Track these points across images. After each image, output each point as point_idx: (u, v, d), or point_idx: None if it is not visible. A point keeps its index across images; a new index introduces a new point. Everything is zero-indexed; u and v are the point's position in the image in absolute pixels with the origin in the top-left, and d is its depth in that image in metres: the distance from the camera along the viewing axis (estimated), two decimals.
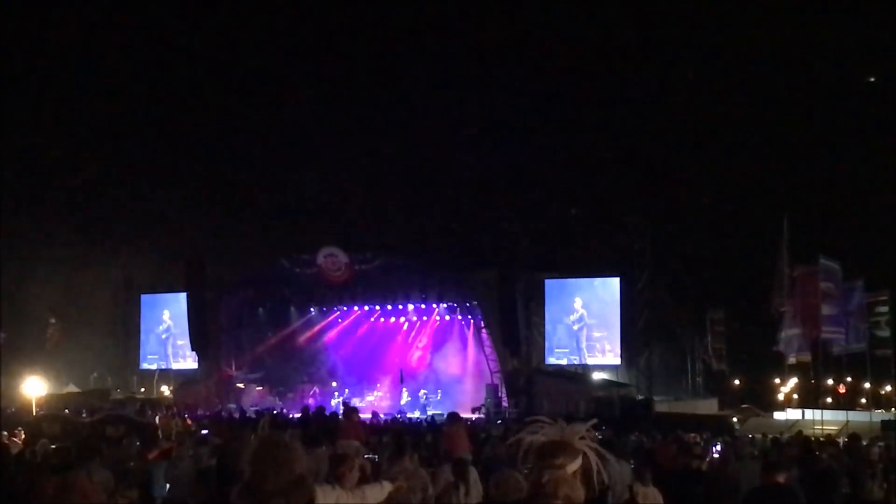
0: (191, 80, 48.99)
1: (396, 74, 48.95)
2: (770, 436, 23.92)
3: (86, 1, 46.15)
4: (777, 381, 45.54)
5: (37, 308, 46.34)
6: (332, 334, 47.86)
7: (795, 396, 42.41)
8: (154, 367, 48.17)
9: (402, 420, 34.34)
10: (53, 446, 14.78)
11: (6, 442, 16.20)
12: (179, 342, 47.32)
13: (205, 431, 23.51)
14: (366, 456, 11.24)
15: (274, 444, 4.62)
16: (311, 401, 39.60)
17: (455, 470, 10.77)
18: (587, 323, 41.11)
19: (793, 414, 37.44)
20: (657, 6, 45.37)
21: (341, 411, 25.88)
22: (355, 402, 37.33)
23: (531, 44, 47.08)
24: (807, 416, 35.33)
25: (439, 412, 36.38)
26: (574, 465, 4.41)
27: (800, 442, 19.12)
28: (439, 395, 42.88)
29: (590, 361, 41.12)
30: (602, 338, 40.99)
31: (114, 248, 47.10)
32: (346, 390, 43.53)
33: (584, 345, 41.08)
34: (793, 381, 42.73)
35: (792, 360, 36.77)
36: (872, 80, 42.47)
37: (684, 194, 47.22)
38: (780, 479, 10.61)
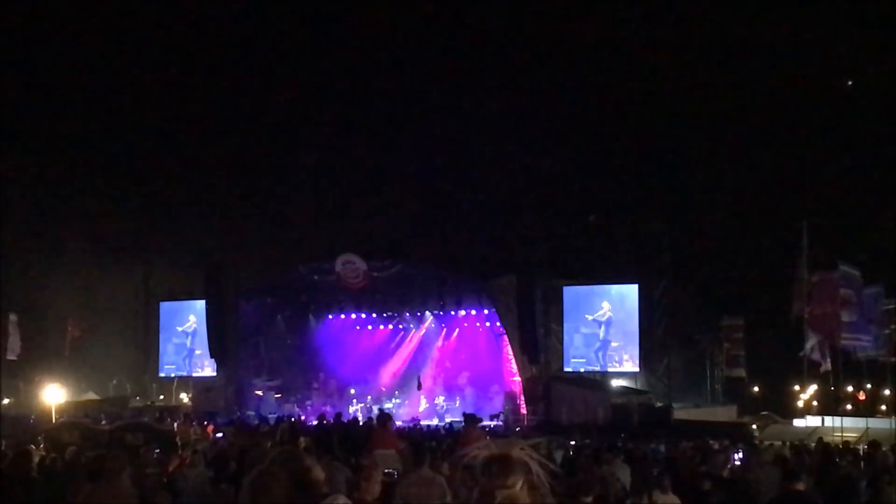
0: (210, 89, 49.11)
1: (416, 80, 48.99)
2: (788, 443, 23.83)
3: (111, 13, 46.20)
4: (797, 387, 45.29)
5: (56, 316, 46.54)
6: (350, 341, 47.88)
7: (815, 403, 42.14)
8: (174, 371, 48.26)
9: (418, 427, 34.36)
10: (90, 454, 14.84)
11: (28, 449, 16.24)
12: (197, 351, 47.41)
13: (220, 435, 23.59)
14: (386, 471, 11.25)
15: (286, 456, 4.62)
16: (328, 408, 39.65)
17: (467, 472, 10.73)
18: (610, 331, 41.05)
19: (812, 421, 37.19)
20: (680, 13, 45.33)
21: (376, 417, 25.81)
22: (376, 409, 37.36)
23: (552, 49, 47.08)
24: (826, 423, 35.13)
25: (457, 419, 36.36)
26: (521, 480, 4.42)
27: (819, 449, 19.04)
28: (458, 402, 42.84)
29: (609, 369, 41.04)
30: (620, 346, 40.92)
31: (133, 255, 47.30)
32: (368, 398, 43.50)
33: (601, 352, 41.01)
34: (812, 388, 42.47)
35: (826, 366, 36.45)
36: (850, 83, 42.40)
37: (703, 201, 47.14)
38: (800, 486, 10.57)
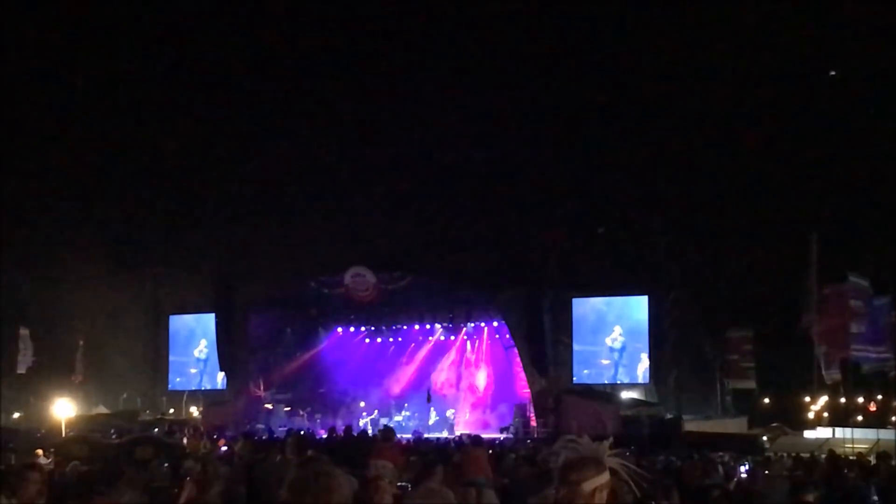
0: (221, 102, 49.22)
1: (425, 93, 49.03)
2: (794, 454, 23.77)
3: (130, 24, 46.40)
4: (807, 399, 45.24)
5: (66, 330, 46.64)
6: (360, 354, 47.92)
7: (825, 415, 42.07)
8: (183, 384, 48.35)
9: (423, 439, 34.36)
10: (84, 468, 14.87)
11: (38, 463, 16.28)
12: (206, 357, 47.51)
13: (224, 448, 23.58)
14: (399, 484, 11.24)
15: (315, 472, 4.57)
16: (339, 421, 39.66)
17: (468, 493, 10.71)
18: (623, 354, 41.13)
19: (823, 432, 37.14)
20: (688, 24, 45.32)
21: (377, 431, 25.80)
22: (382, 421, 37.41)
23: (560, 59, 47.10)
24: (837, 435, 35.09)
25: (467, 432, 36.38)
26: (594, 483, 4.39)
27: (828, 461, 19.01)
28: (468, 414, 42.89)
29: (618, 380, 41.06)
30: (629, 355, 40.93)
31: (143, 269, 47.38)
32: (376, 411, 43.51)
33: (609, 363, 41.08)
34: (823, 400, 42.41)
35: (835, 376, 36.42)
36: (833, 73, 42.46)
37: (712, 212, 47.07)
38: (810, 498, 10.55)
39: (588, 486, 4.36)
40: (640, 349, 40.72)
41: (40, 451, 19.32)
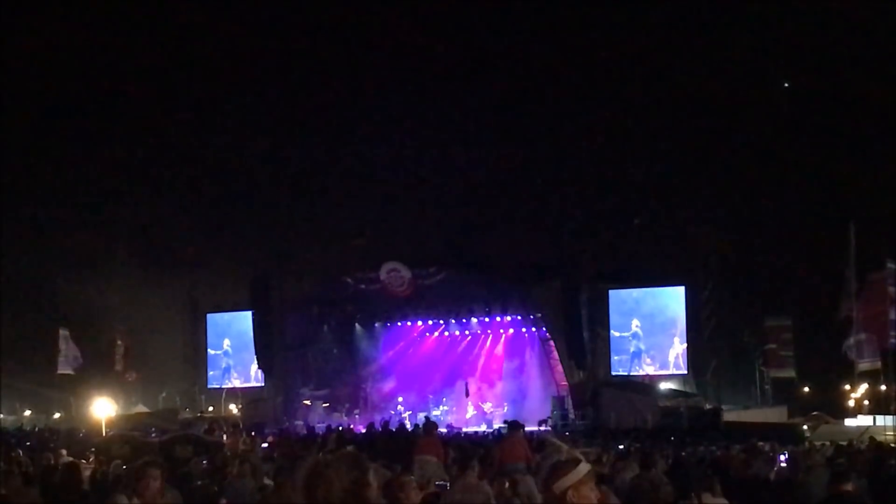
0: (256, 103, 49.45)
1: (457, 89, 49.02)
2: (834, 443, 23.62)
3: (159, 30, 46.71)
4: (847, 387, 44.86)
5: (105, 331, 46.99)
6: (397, 349, 47.90)
7: (866, 403, 41.71)
8: (222, 383, 48.61)
9: (461, 434, 34.35)
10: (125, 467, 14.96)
11: (77, 462, 16.39)
12: (244, 355, 47.76)
13: (265, 445, 23.67)
14: (437, 483, 11.23)
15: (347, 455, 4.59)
16: (377, 417, 39.69)
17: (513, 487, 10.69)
18: (648, 331, 41.01)
19: (864, 420, 36.86)
20: (721, 20, 45.14)
21: (421, 425, 25.75)
22: (421, 416, 37.40)
23: (594, 55, 46.95)
24: (878, 423, 34.83)
25: (505, 426, 36.34)
26: (564, 483, 4.48)
27: (871, 448, 18.86)
28: (506, 408, 42.77)
29: (655, 371, 40.92)
30: (667, 346, 40.79)
31: (180, 268, 47.63)
32: (413, 407, 43.45)
33: (647, 355, 40.97)
34: (863, 388, 42.05)
35: (864, 366, 36.24)
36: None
37: (749, 202, 46.81)
38: (848, 487, 10.45)
39: (558, 487, 4.48)
40: (679, 339, 40.52)
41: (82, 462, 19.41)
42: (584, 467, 4.55)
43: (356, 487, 4.34)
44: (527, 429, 29.36)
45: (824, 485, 13.27)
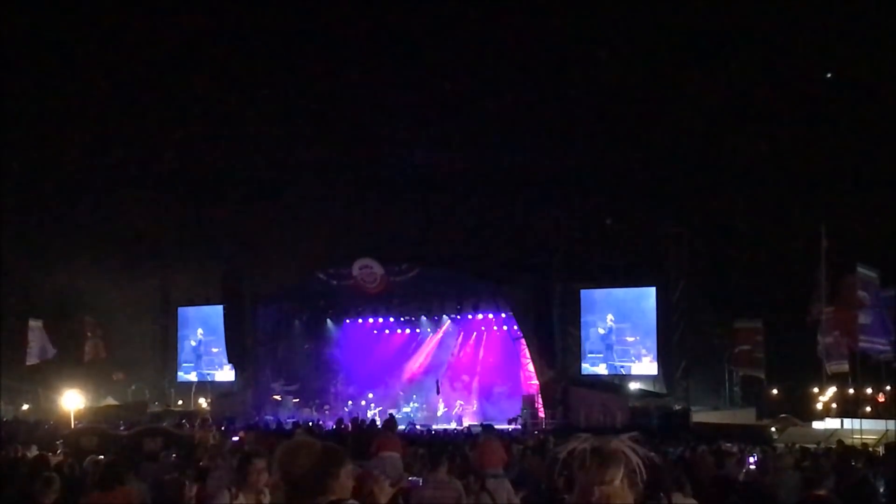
0: (227, 94, 49.22)
1: (430, 82, 48.95)
2: (799, 445, 23.73)
3: (137, 26, 46.42)
4: (815, 390, 45.16)
5: (76, 322, 46.75)
6: (368, 346, 47.92)
7: (834, 405, 42.01)
8: (192, 376, 48.46)
9: (430, 431, 34.39)
10: (98, 458, 14.88)
11: (45, 455, 16.31)
12: (214, 349, 47.64)
13: (235, 438, 23.63)
14: (410, 479, 11.26)
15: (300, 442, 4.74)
16: (347, 413, 39.70)
17: (481, 485, 10.68)
18: (619, 331, 41.10)
19: (832, 423, 37.07)
20: (694, 18, 45.22)
21: (380, 423, 25.83)
22: (390, 413, 37.42)
23: (568, 50, 46.99)
24: (846, 426, 35.03)
25: (475, 423, 36.47)
26: (621, 475, 4.31)
27: (838, 452, 18.96)
28: (475, 406, 42.91)
29: (625, 369, 41.02)
30: (638, 346, 40.90)
31: (151, 262, 47.43)
32: (379, 407, 43.47)
33: (617, 354, 41.05)
34: (831, 391, 42.35)
35: (833, 367, 36.44)
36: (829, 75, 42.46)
37: (720, 203, 46.97)
38: (822, 492, 10.52)
39: (619, 479, 4.25)
40: (649, 339, 40.65)
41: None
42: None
43: (326, 466, 4.45)
44: (496, 427, 29.52)
45: (793, 487, 13.37)
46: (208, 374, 48.20)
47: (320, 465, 4.60)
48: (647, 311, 40.87)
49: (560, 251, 41.93)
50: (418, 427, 37.16)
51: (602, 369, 41.46)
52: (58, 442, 21.56)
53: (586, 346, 41.63)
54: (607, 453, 4.18)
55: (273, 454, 4.75)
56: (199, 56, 47.93)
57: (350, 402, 44.68)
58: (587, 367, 41.62)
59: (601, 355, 41.45)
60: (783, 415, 40.96)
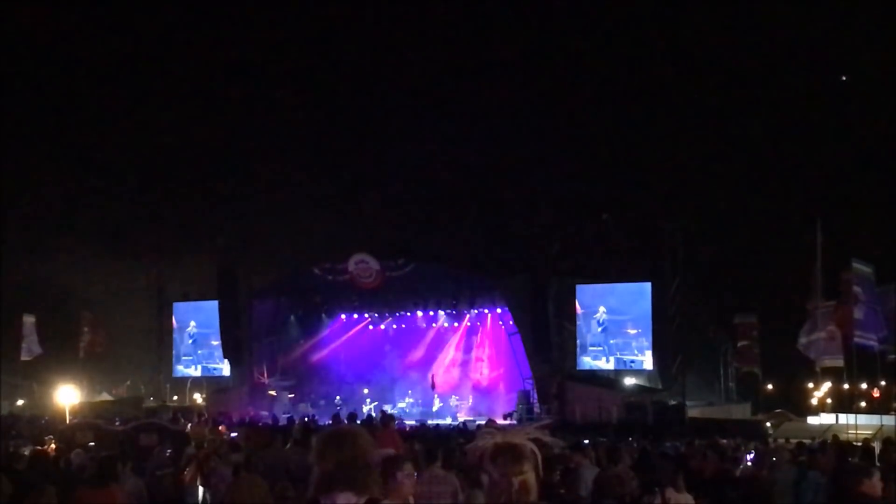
0: (221, 90, 49.21)
1: (429, 82, 48.97)
2: (794, 441, 23.70)
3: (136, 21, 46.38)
4: (811, 385, 45.23)
5: (71, 317, 46.69)
6: (363, 341, 47.86)
7: (829, 401, 42.07)
8: (191, 370, 48.36)
9: (428, 427, 34.31)
10: (90, 455, 14.85)
11: (44, 450, 16.30)
12: (213, 342, 47.54)
13: (234, 435, 23.59)
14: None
15: (338, 431, 4.61)
16: (342, 408, 39.61)
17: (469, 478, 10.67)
18: (619, 323, 41.03)
19: (826, 418, 37.08)
20: (692, 16, 45.26)
21: (378, 418, 25.75)
22: (386, 408, 37.37)
23: (566, 53, 47.02)
24: (841, 421, 35.03)
25: (471, 418, 36.43)
26: (531, 465, 4.41)
27: (833, 447, 18.94)
28: (470, 401, 42.86)
29: (621, 363, 40.97)
30: (633, 342, 40.85)
31: (147, 257, 47.41)
32: (375, 402, 43.42)
33: (614, 349, 41.00)
34: (826, 386, 42.42)
35: (827, 362, 36.42)
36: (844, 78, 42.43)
37: (717, 198, 47.03)
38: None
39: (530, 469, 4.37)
40: (645, 335, 40.60)
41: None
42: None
43: (362, 451, 4.42)
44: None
45: (789, 483, 13.35)
46: (214, 368, 47.95)
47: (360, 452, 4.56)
48: (642, 306, 40.82)
49: (556, 246, 41.85)
50: (413, 422, 37.09)
51: (603, 363, 41.39)
52: (47, 437, 21.49)
53: (581, 341, 41.55)
54: (516, 447, 4.31)
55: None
56: (197, 53, 47.96)
57: (343, 398, 44.58)
58: (583, 363, 41.55)
59: (601, 349, 41.36)
60: (778, 410, 41.00)
